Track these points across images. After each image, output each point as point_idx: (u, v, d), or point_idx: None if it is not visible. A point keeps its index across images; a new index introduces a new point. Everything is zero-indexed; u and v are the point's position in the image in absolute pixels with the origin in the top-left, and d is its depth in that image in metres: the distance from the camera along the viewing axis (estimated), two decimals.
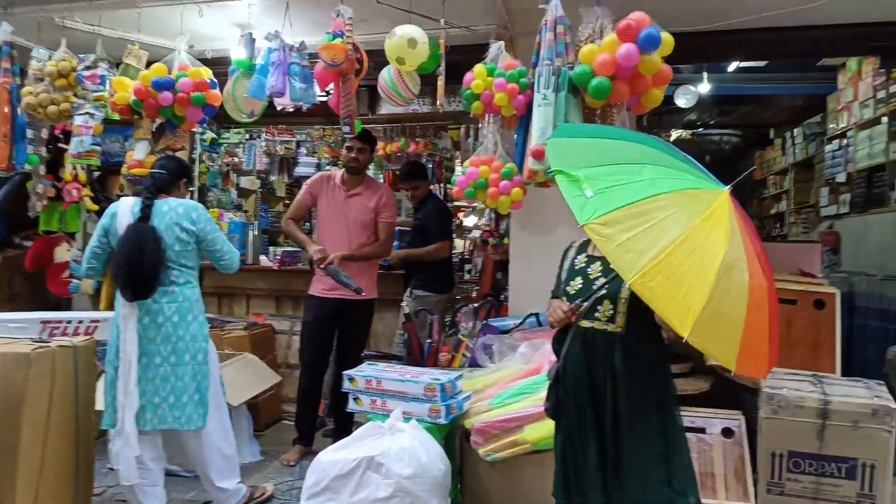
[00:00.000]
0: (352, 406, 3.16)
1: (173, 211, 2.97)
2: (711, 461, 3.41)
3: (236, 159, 5.91)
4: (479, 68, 3.26)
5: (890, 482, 2.97)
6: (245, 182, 6.76)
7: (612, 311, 2.23)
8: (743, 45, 4.14)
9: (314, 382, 4.00)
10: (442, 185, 6.71)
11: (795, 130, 8.77)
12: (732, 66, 6.86)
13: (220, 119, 5.72)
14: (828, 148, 7.33)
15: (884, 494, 2.96)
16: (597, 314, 2.24)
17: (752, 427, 3.44)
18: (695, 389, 3.67)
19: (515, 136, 3.35)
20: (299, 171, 5.87)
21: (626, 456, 2.21)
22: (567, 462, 2.33)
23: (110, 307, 3.15)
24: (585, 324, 2.26)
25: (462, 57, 3.66)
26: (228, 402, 3.28)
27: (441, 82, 3.54)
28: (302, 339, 4.04)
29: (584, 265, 2.33)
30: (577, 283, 2.31)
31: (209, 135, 5.57)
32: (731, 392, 3.87)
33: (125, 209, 2.99)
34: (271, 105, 4.59)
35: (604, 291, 2.21)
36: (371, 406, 3.11)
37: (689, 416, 3.52)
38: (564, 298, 2.32)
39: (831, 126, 7.29)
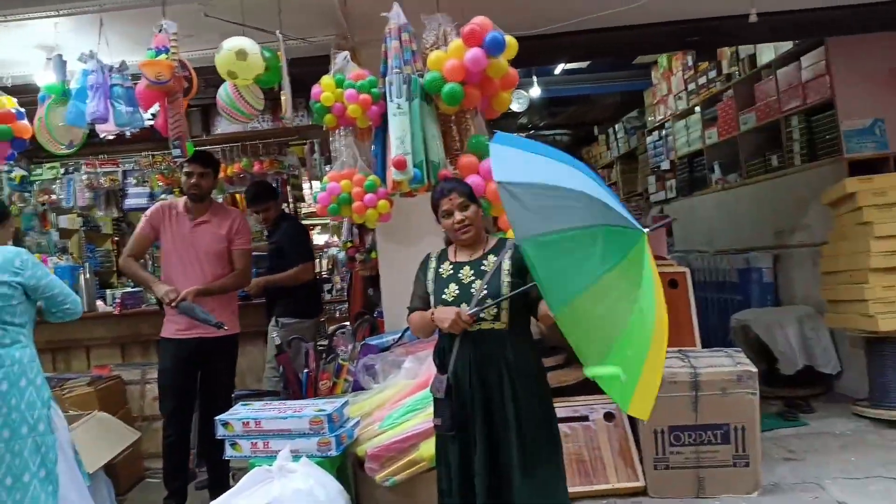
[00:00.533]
0: (229, 453, 2.88)
1: None
2: (598, 447, 3.51)
3: (54, 196, 5.24)
4: (326, 80, 3.11)
5: (759, 441, 3.23)
6: (64, 221, 6.04)
7: (496, 310, 2.24)
8: (568, 46, 4.35)
9: (180, 433, 3.62)
10: (290, 203, 6.44)
11: (617, 126, 9.49)
12: (559, 69, 7.26)
13: (30, 153, 5.08)
14: (649, 139, 7.99)
15: (755, 453, 3.21)
16: (482, 315, 2.23)
17: None
18: (573, 379, 3.75)
19: (373, 147, 3.23)
20: (130, 202, 5.31)
21: (528, 454, 2.21)
22: (465, 475, 2.26)
23: None
24: (472, 327, 2.24)
25: (303, 69, 3.51)
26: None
27: (285, 96, 3.35)
28: (161, 388, 3.63)
29: (451, 272, 2.35)
30: (453, 289, 2.30)
31: (18, 172, 4.90)
32: None
33: None
34: (88, 132, 4.15)
35: (485, 291, 2.23)
36: (252, 450, 2.85)
37: (572, 406, 3.62)
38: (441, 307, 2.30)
39: (650, 119, 7.95)
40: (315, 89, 3.09)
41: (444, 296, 2.30)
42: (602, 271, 1.68)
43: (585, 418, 3.60)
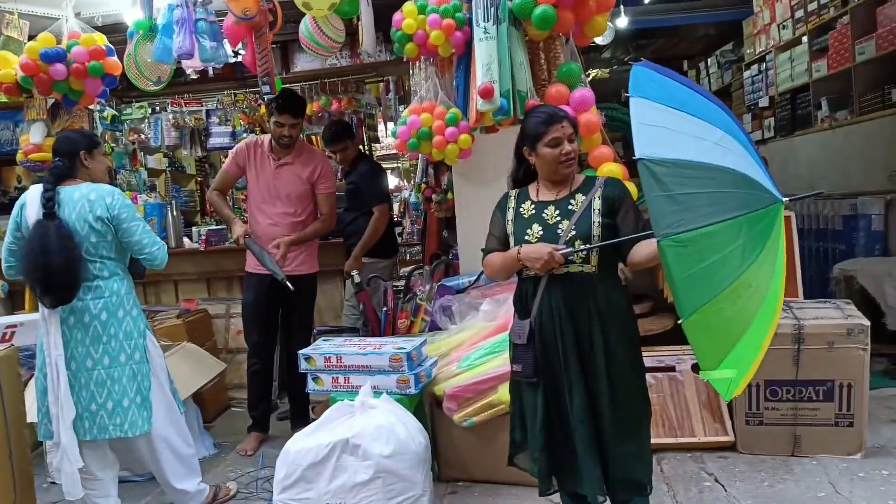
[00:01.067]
0: (311, 387, 2.91)
1: (85, 198, 2.60)
2: (685, 399, 3.35)
3: (142, 136, 5.37)
4: (408, 6, 2.96)
5: (867, 400, 2.98)
6: (152, 161, 6.21)
7: (585, 252, 2.09)
8: None
9: (265, 364, 3.72)
10: (365, 144, 6.38)
11: (709, 60, 8.85)
12: None
13: (119, 93, 5.20)
14: (746, 74, 7.41)
15: (861, 412, 2.97)
16: (570, 258, 2.09)
17: None
18: (660, 328, 3.59)
19: (455, 78, 3.07)
20: (213, 142, 5.37)
21: (619, 403, 2.10)
22: (552, 424, 2.16)
23: (36, 308, 2.77)
24: (559, 270, 2.10)
25: (385, 1, 3.34)
26: None
27: (363, 26, 3.22)
28: (245, 321, 3.71)
29: (534, 212, 2.18)
30: (537, 230, 2.15)
31: (109, 111, 5.01)
32: None
33: (33, 199, 2.61)
34: (175, 71, 4.17)
35: (573, 232, 2.08)
36: (333, 385, 2.87)
37: (657, 356, 3.46)
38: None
39: (748, 51, 7.35)
40: (396, 16, 2.95)
41: (526, 237, 2.14)
42: (742, 270, 1.48)
43: (672, 369, 3.44)
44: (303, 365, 2.88)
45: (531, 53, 2.99)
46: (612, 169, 2.78)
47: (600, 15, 2.97)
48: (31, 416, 2.88)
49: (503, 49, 2.82)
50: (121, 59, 3.42)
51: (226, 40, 3.29)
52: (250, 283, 3.64)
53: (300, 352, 2.90)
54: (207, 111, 5.28)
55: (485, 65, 2.80)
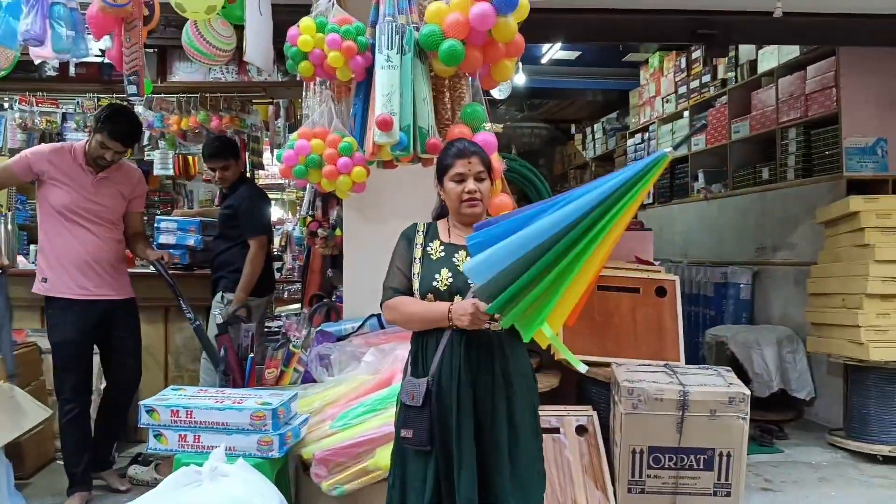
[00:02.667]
0: (153, 445, 2.48)
1: None
2: (568, 463, 3.19)
3: None
4: (306, 21, 2.70)
5: (744, 469, 2.96)
6: None
7: None
8: (566, 25, 4.02)
9: (84, 409, 3.24)
10: (247, 170, 5.96)
11: (595, 126, 9.23)
12: (546, 58, 6.95)
13: None
14: (630, 142, 7.74)
15: (738, 482, 2.94)
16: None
17: (604, 422, 3.31)
18: (546, 386, 3.44)
19: (353, 106, 2.83)
20: None
21: (518, 482, 1.91)
22: (441, 501, 1.91)
23: None
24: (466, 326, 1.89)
25: (283, 17, 3.07)
26: None
27: (247, 34, 2.92)
28: (63, 359, 3.17)
29: (443, 254, 2.00)
30: (446, 275, 1.95)
31: None
32: (576, 385, 3.74)
33: None
34: (24, 65, 3.62)
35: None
36: (180, 443, 2.45)
37: (544, 415, 3.28)
38: (431, 296, 1.96)
39: (633, 120, 7.70)
40: (291, 31, 2.66)
41: (434, 282, 1.94)
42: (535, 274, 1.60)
43: (556, 430, 3.28)
44: (144, 419, 2.44)
45: (436, 90, 2.80)
46: None
47: (509, 59, 2.84)
48: None
49: (406, 81, 2.61)
50: None
51: (89, 34, 2.86)
52: (71, 309, 3.13)
53: (142, 403, 2.46)
54: (64, 114, 4.67)
55: (385, 95, 2.57)
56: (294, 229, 6.30)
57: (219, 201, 3.99)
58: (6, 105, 4.64)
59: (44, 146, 3.30)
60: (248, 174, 5.86)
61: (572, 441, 3.26)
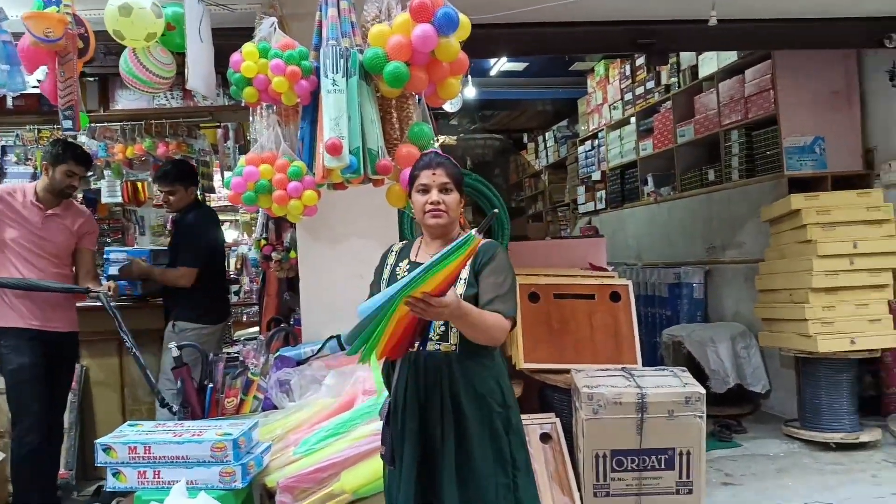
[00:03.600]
0: (111, 483, 2.41)
1: None
2: (534, 472, 3.21)
3: None
4: (248, 47, 2.69)
5: (704, 467, 3.03)
6: None
7: (443, 328, 1.90)
8: (509, 39, 4.10)
9: (44, 441, 3.17)
10: (198, 194, 5.87)
11: (547, 134, 9.38)
12: (495, 70, 7.05)
13: None
14: (580, 149, 7.89)
15: (699, 479, 3.01)
16: (429, 332, 1.89)
17: (566, 428, 3.35)
18: None
19: (300, 130, 2.83)
20: (8, 182, 4.62)
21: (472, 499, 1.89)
22: None
23: None
24: (414, 347, 1.89)
25: (225, 41, 3.06)
26: None
27: (188, 62, 2.91)
28: (21, 387, 3.12)
29: (408, 272, 1.94)
30: None
31: None
32: (538, 394, 3.78)
33: None
34: None
35: None
36: (139, 480, 2.39)
37: None
38: None
39: (583, 128, 7.86)
40: (234, 57, 2.65)
41: None
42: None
43: None
44: (101, 457, 2.38)
45: (383, 111, 2.82)
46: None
47: (454, 77, 2.87)
48: None
49: (353, 104, 2.62)
50: None
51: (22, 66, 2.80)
52: (22, 339, 3.11)
53: (97, 441, 2.40)
54: (3, 147, 4.54)
55: (332, 119, 2.58)
56: (249, 251, 6.23)
57: (171, 227, 3.92)
58: None
59: None
60: (199, 199, 5.81)
61: (537, 449, 3.28)
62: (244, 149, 5.39)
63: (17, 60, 2.81)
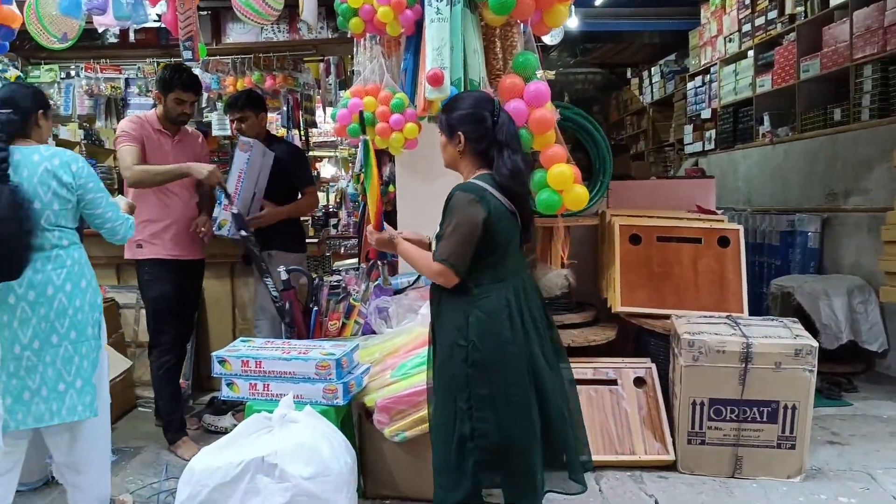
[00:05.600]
0: (225, 393, 2.61)
1: (47, 161, 2.33)
2: (626, 414, 3.20)
3: (51, 101, 4.84)
4: None
5: (810, 423, 2.91)
6: (65, 132, 5.63)
7: None
8: None
9: (180, 359, 3.51)
10: (301, 129, 6.00)
11: (653, 69, 8.90)
12: (600, 0, 6.70)
13: (26, 53, 4.66)
14: (690, 85, 7.45)
15: (804, 435, 2.89)
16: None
17: (663, 375, 3.29)
18: (602, 338, 3.45)
19: (403, 61, 2.81)
20: (130, 114, 4.89)
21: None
22: None
23: None
24: None
25: None
26: None
27: None
28: (159, 314, 3.35)
29: None
30: None
31: (12, 72, 4.46)
32: (633, 338, 3.72)
33: None
34: (88, 33, 3.73)
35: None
36: (251, 392, 2.57)
37: (600, 367, 3.31)
38: None
39: (693, 62, 7.39)
40: None
41: None
42: None
43: (613, 382, 3.29)
44: (216, 369, 2.57)
45: (486, 40, 2.75)
46: (562, 171, 2.58)
47: (562, 3, 2.77)
48: None
49: (456, 33, 2.57)
50: (21, 9, 2.99)
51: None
52: (165, 270, 3.30)
53: (214, 354, 2.59)
54: (126, 79, 4.80)
55: (435, 49, 2.55)
56: (348, 186, 6.36)
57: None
58: (73, 73, 4.79)
59: (125, 123, 3.38)
60: (301, 133, 5.93)
61: (630, 393, 3.26)
62: (344, 84, 5.44)
63: None
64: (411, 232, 2.40)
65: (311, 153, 6.58)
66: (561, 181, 2.53)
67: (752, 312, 3.53)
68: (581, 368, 3.26)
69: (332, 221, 6.52)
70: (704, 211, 3.76)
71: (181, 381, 4.02)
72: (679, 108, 7.96)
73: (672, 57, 8.38)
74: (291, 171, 3.70)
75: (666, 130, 8.63)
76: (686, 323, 3.11)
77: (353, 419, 2.78)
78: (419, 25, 2.68)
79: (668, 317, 3.30)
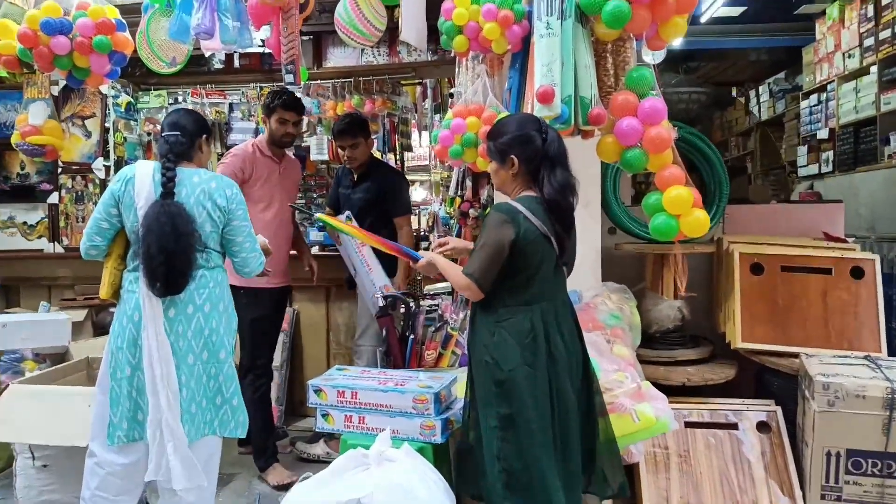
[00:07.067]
0: (320, 424, 2.53)
1: (205, 183, 2.42)
2: (749, 463, 2.90)
3: (159, 126, 5.03)
4: None
5: None
6: None
7: None
8: None
9: (269, 384, 3.52)
10: (397, 153, 6.00)
11: (760, 88, 8.41)
12: (705, 17, 6.40)
13: (137, 79, 4.88)
14: (804, 104, 6.95)
15: None
16: None
17: (789, 419, 2.97)
18: (720, 377, 3.16)
19: (508, 79, 2.70)
20: (234, 138, 4.99)
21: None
22: None
23: (115, 295, 2.47)
24: None
25: None
26: None
27: (402, 11, 2.88)
28: (257, 336, 3.37)
29: None
30: None
31: (124, 98, 4.69)
32: (754, 377, 3.40)
33: (144, 175, 2.37)
34: (195, 60, 3.85)
35: None
36: (346, 424, 2.49)
37: (719, 409, 3.03)
38: None
39: (807, 79, 6.90)
40: (446, 5, 2.58)
41: None
42: None
43: (734, 426, 2.99)
44: (312, 398, 2.50)
45: (597, 56, 2.60)
46: (680, 193, 2.37)
47: (680, 15, 2.58)
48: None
49: (567, 49, 2.43)
50: (133, 36, 3.09)
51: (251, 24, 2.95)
52: (260, 297, 3.30)
53: (310, 382, 2.52)
54: (230, 104, 4.94)
55: (545, 65, 2.42)
56: (440, 209, 6.28)
57: (353, 181, 3.74)
58: (181, 99, 4.98)
59: (227, 158, 3.42)
60: (396, 157, 5.93)
61: (752, 439, 2.96)
62: (440, 108, 5.40)
63: (246, 18, 2.97)
64: (460, 241, 2.53)
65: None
66: (679, 205, 2.34)
67: (891, 352, 3.16)
68: (696, 410, 3.00)
69: (424, 245, 6.48)
70: (832, 238, 3.41)
71: (274, 405, 4.03)
72: (791, 129, 7.46)
73: (782, 75, 7.89)
74: (387, 199, 3.61)
75: (775, 152, 8.11)
76: (818, 363, 2.80)
77: (451, 458, 2.63)
78: (526, 42, 2.56)
79: (794, 355, 2.98)
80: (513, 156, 2.14)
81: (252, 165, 3.36)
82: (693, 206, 2.34)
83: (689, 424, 3.00)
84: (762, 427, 2.95)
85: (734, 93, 9.45)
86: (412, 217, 3.81)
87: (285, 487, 3.06)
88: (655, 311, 3.19)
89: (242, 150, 3.41)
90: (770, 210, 4.12)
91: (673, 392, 2.97)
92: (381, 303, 2.85)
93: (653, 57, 6.52)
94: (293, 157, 3.71)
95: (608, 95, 2.54)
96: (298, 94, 4.50)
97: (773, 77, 8.06)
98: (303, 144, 5.13)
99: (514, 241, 2.05)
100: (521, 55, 2.61)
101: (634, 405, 2.40)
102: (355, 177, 3.72)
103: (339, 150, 3.88)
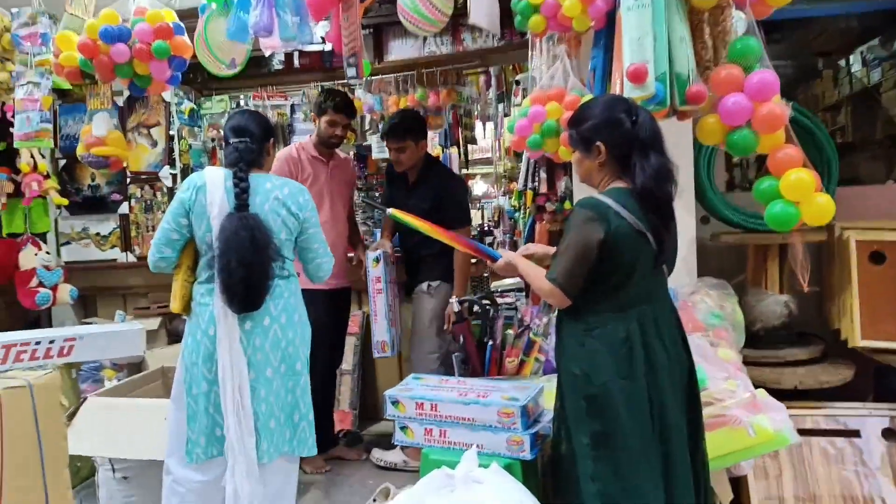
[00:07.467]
0: (399, 438, 2.38)
1: (278, 189, 2.33)
2: (872, 473, 2.59)
3: (222, 132, 5.01)
4: None
5: None
6: None
7: None
8: None
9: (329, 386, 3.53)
10: (460, 146, 5.80)
11: (851, 58, 7.79)
12: None
13: (199, 85, 4.87)
14: None
15: None
16: None
17: None
18: (837, 379, 2.83)
19: (591, 58, 2.46)
20: (297, 139, 4.94)
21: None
22: None
23: (186, 309, 2.39)
24: None
25: None
26: None
27: None
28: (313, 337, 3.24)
29: None
30: None
31: (187, 105, 4.67)
32: (873, 378, 3.05)
33: (216, 184, 2.27)
34: (255, 61, 3.75)
35: None
36: (426, 438, 2.32)
37: (836, 415, 2.72)
38: None
39: None
40: None
41: None
42: None
43: (854, 433, 2.68)
44: (389, 410, 2.35)
45: (692, 27, 2.32)
46: (800, 177, 2.09)
47: None
48: (79, 448, 2.58)
49: (659, 20, 2.17)
50: (191, 39, 3.01)
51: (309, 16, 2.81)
52: (315, 297, 3.15)
53: (386, 393, 2.37)
54: (292, 106, 4.87)
55: (635, 40, 2.17)
56: (505, 203, 6.06)
57: (412, 183, 3.43)
58: (242, 103, 4.94)
59: (274, 165, 3.17)
60: (460, 151, 5.73)
61: (876, 447, 2.65)
62: (502, 97, 5.16)
63: (305, 12, 2.83)
64: (540, 246, 2.29)
65: (465, 171, 6.36)
66: (799, 190, 2.06)
67: None
68: (810, 416, 2.70)
69: (488, 240, 6.28)
70: None
71: (347, 409, 3.94)
72: (890, 98, 6.85)
73: (875, 42, 7.26)
74: (442, 207, 3.24)
75: (871, 125, 7.48)
76: None
77: (539, 474, 2.43)
78: (611, 17, 2.32)
79: None
80: (599, 143, 1.93)
81: (298, 168, 3.28)
82: (815, 191, 2.06)
83: (802, 432, 2.69)
84: (888, 434, 2.63)
85: (820, 65, 8.80)
86: (470, 227, 3.57)
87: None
88: (760, 307, 2.88)
89: (286, 154, 3.34)
90: (888, 191, 3.72)
91: (781, 396, 2.67)
92: (456, 307, 2.67)
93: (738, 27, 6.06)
94: (343, 156, 3.60)
95: (707, 70, 2.27)
96: (360, 92, 4.39)
97: (866, 44, 7.44)
98: (364, 143, 5.01)
99: (604, 240, 1.83)
100: (606, 32, 2.37)
101: (750, 417, 2.13)
102: (410, 179, 3.45)
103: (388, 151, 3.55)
